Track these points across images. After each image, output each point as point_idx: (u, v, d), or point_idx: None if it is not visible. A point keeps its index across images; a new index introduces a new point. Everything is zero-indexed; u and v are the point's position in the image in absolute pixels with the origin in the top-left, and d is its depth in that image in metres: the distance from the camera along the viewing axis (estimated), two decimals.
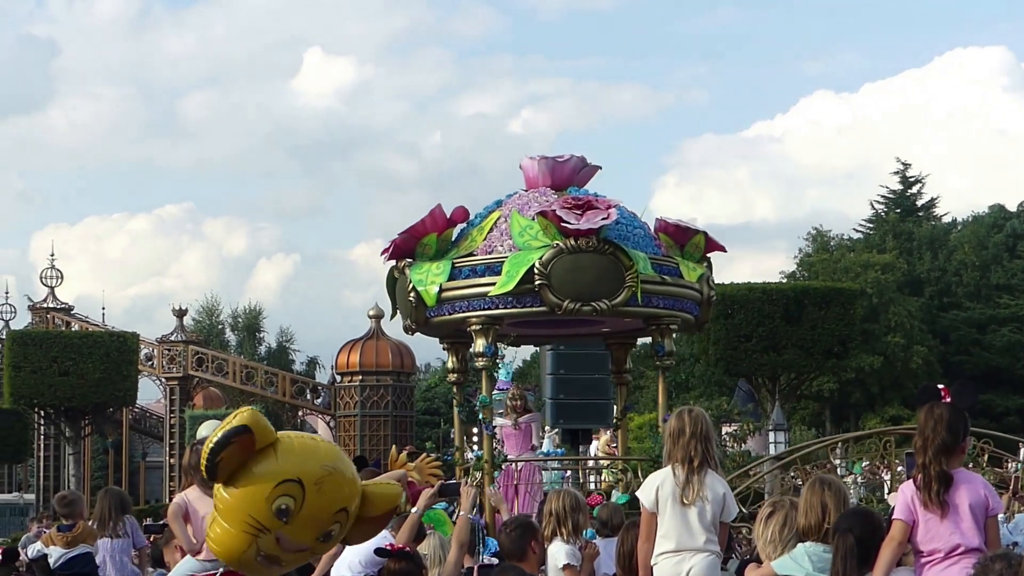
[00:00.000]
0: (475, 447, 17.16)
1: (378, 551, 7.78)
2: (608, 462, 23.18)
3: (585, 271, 14.14)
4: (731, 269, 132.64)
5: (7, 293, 58.13)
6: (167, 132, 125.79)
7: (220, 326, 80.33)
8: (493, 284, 14.23)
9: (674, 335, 15.55)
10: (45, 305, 53.44)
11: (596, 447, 23.40)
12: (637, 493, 8.78)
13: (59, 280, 53.97)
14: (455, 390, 16.53)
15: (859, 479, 25.00)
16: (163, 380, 50.46)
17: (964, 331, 66.48)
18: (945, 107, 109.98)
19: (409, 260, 14.74)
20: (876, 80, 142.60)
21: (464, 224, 15.05)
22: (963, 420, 7.47)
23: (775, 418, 36.67)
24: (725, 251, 15.80)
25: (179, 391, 49.85)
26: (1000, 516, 8.29)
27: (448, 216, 14.78)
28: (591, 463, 24.02)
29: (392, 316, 15.65)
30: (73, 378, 42.73)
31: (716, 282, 15.75)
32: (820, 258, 66.67)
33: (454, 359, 16.16)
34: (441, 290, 14.46)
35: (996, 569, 5.99)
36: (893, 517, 7.40)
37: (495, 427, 15.93)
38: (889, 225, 71.03)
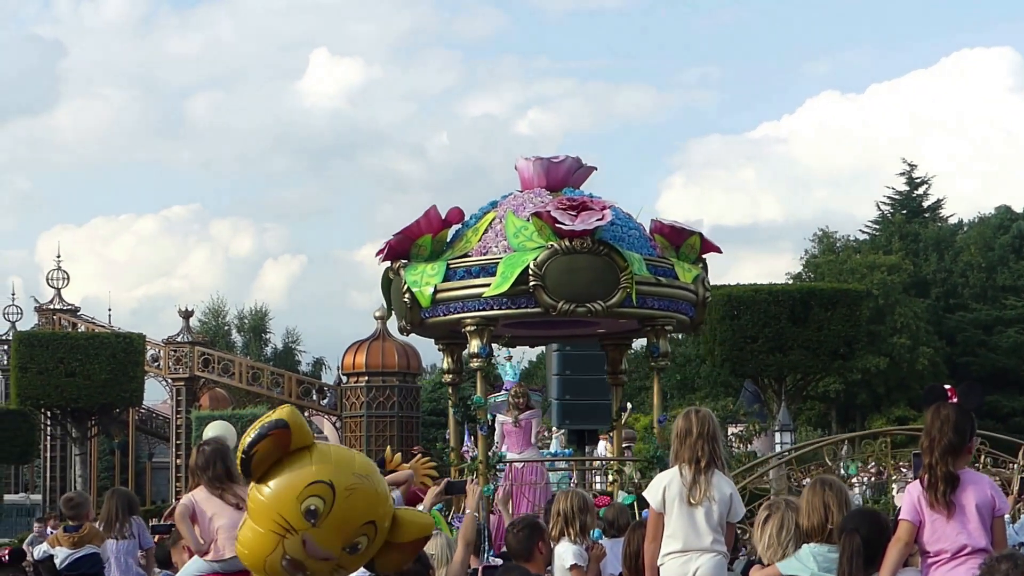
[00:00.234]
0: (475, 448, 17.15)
1: None
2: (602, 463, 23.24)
3: (580, 272, 14.13)
4: (737, 270, 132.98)
5: (13, 294, 58.28)
6: (174, 133, 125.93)
7: (226, 327, 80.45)
8: (488, 285, 14.22)
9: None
10: (52, 306, 53.50)
11: (604, 447, 23.38)
12: (644, 493, 8.79)
13: (66, 281, 54.06)
14: (450, 391, 16.53)
15: (859, 479, 24.97)
16: (169, 381, 50.50)
17: (970, 332, 66.46)
18: (952, 108, 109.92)
19: (404, 261, 14.74)
20: (883, 81, 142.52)
21: (459, 225, 15.05)
22: (970, 421, 7.47)
23: (781, 419, 36.70)
24: (720, 252, 15.78)
25: (185, 392, 49.90)
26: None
27: (443, 217, 14.78)
28: (587, 463, 23.99)
29: (388, 317, 15.70)
30: (79, 379, 42.79)
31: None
32: (826, 259, 66.68)
33: (449, 360, 16.16)
34: (436, 291, 14.46)
35: (1002, 569, 6.00)
36: (899, 518, 7.41)
37: (494, 423, 15.98)
38: (895, 226, 71.02)
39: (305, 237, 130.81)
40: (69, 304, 54.03)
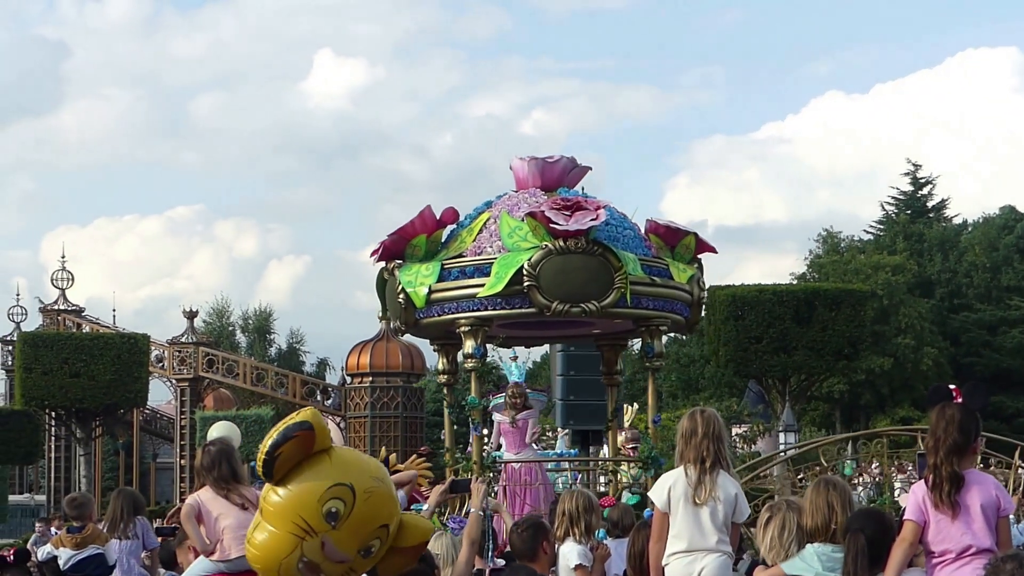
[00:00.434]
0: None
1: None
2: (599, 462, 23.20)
3: (574, 272, 14.12)
4: (741, 270, 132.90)
5: (18, 295, 58.35)
6: (178, 134, 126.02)
7: (231, 327, 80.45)
8: (482, 285, 14.21)
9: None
10: (56, 307, 53.53)
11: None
12: (649, 493, 8.78)
13: (70, 282, 54.08)
14: (446, 391, 16.53)
15: (862, 480, 24.98)
16: (173, 381, 50.51)
17: (974, 333, 66.42)
18: (956, 108, 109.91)
19: (399, 261, 14.73)
20: (887, 81, 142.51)
21: (454, 225, 15.04)
22: (975, 420, 7.46)
23: (785, 419, 36.71)
24: (716, 252, 15.77)
25: (189, 392, 49.90)
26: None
27: (438, 217, 14.77)
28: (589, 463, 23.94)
29: (382, 317, 15.68)
30: (84, 379, 42.81)
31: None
32: (830, 259, 66.66)
33: (444, 360, 16.14)
34: (430, 291, 14.45)
35: (1007, 569, 6.00)
36: (904, 518, 7.40)
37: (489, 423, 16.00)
38: (900, 227, 70.98)
39: (309, 238, 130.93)
40: (73, 305, 54.06)
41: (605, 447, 22.42)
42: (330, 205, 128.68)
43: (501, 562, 10.42)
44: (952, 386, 7.73)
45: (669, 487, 8.40)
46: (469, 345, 14.64)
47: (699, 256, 15.53)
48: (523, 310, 14.37)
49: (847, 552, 7.19)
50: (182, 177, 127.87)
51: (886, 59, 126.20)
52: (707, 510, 8.30)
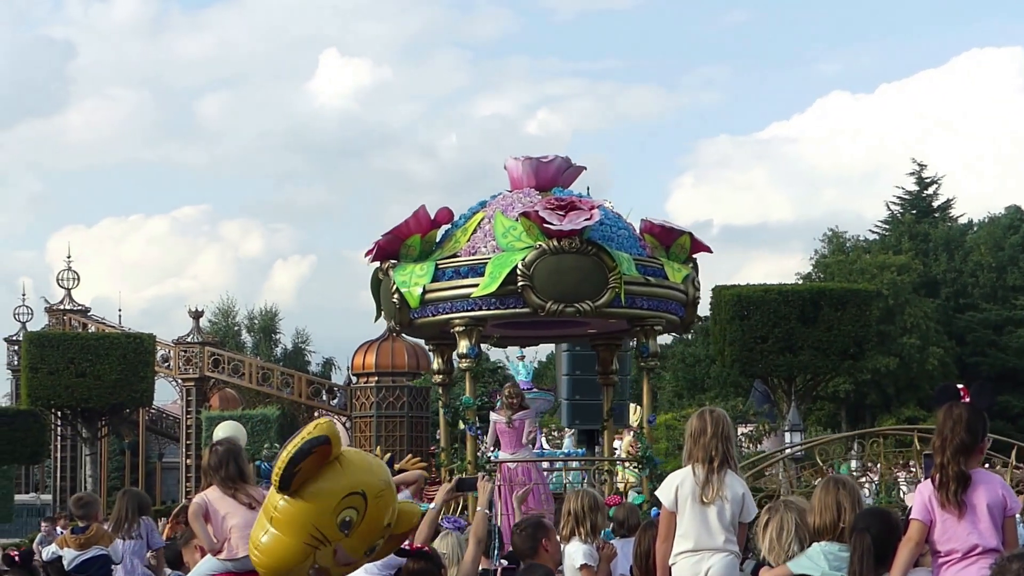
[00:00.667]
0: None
1: (397, 551, 7.79)
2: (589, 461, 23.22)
3: (568, 272, 14.13)
4: (747, 270, 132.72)
5: (24, 295, 58.45)
6: (183, 134, 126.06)
7: (236, 327, 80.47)
8: (476, 285, 14.22)
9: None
10: (62, 307, 53.62)
11: (618, 446, 23.34)
12: (656, 492, 8.78)
13: (76, 282, 54.17)
14: (440, 391, 16.49)
15: (868, 479, 24.96)
16: (179, 381, 50.58)
17: (980, 332, 66.37)
18: (961, 108, 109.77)
19: (393, 261, 14.73)
20: (892, 81, 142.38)
21: (448, 225, 15.04)
22: (982, 420, 7.44)
23: (791, 419, 36.66)
24: (711, 252, 15.76)
25: (195, 392, 49.98)
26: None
27: (432, 217, 14.77)
28: (576, 463, 23.94)
29: (376, 318, 15.65)
30: (90, 379, 42.84)
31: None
32: (836, 259, 66.62)
33: (439, 360, 16.14)
34: (424, 291, 14.46)
35: (1013, 569, 5.99)
36: (910, 517, 7.38)
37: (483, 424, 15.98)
38: (905, 226, 70.95)
39: (315, 238, 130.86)
40: (79, 304, 54.15)
41: (618, 446, 22.44)
42: (336, 205, 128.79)
43: (505, 562, 10.43)
44: (960, 385, 7.73)
45: (676, 486, 8.40)
46: (463, 345, 14.64)
47: (694, 256, 15.51)
48: (517, 310, 14.38)
49: (853, 552, 7.19)
50: (188, 177, 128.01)
51: (891, 59, 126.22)
52: (714, 509, 8.29)
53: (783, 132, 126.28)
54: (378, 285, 15.27)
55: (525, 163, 15.22)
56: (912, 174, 73.89)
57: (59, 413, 45.87)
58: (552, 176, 15.21)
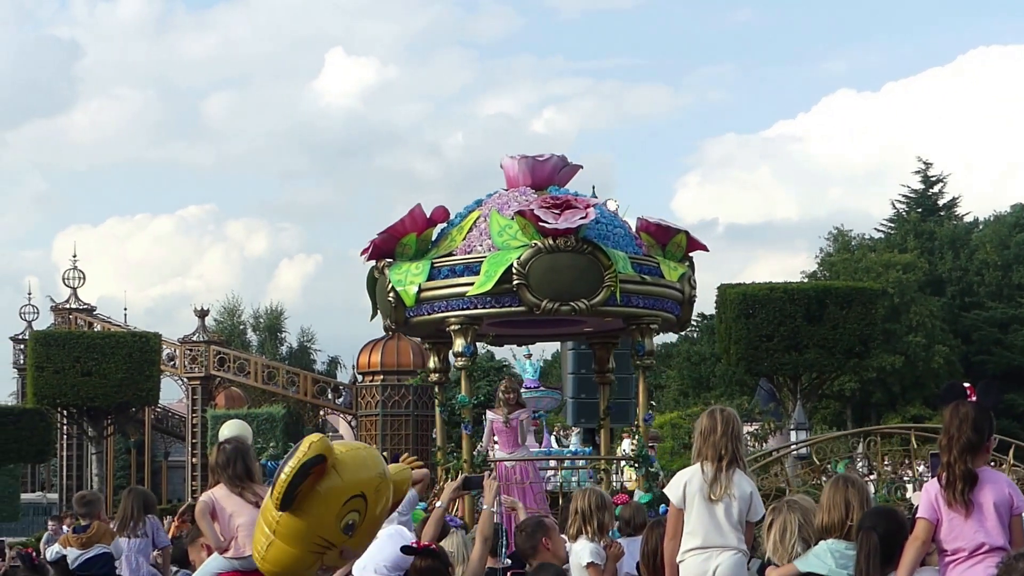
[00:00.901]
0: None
1: (404, 549, 7.78)
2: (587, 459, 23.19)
3: (563, 271, 14.11)
4: (752, 269, 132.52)
5: (30, 294, 58.54)
6: (189, 133, 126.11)
7: (242, 326, 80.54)
8: (472, 284, 14.21)
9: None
10: (68, 306, 53.66)
11: (628, 445, 23.27)
12: (665, 490, 8.78)
13: (81, 281, 54.21)
14: (437, 390, 16.49)
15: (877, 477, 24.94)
16: (185, 380, 50.62)
17: (986, 331, 66.31)
18: (968, 106, 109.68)
19: (389, 260, 14.72)
20: (899, 79, 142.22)
21: (444, 224, 15.03)
22: (988, 419, 7.43)
23: (796, 417, 36.66)
24: (707, 250, 15.75)
25: (201, 391, 50.01)
26: None
27: (428, 216, 14.76)
28: (570, 461, 23.92)
29: (372, 316, 15.63)
30: (95, 378, 42.89)
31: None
32: (841, 258, 66.59)
33: (436, 359, 16.12)
34: (420, 290, 14.45)
35: (1020, 568, 5.98)
36: (917, 516, 7.38)
37: (481, 422, 15.97)
38: (910, 225, 70.88)
39: (320, 237, 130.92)
40: (85, 304, 54.19)
41: (627, 444, 22.38)
42: (341, 204, 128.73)
43: (509, 561, 10.44)
44: (966, 384, 7.72)
45: (685, 483, 8.41)
46: (459, 343, 14.64)
47: (691, 254, 15.50)
48: (513, 308, 14.36)
49: (859, 550, 7.19)
50: (193, 176, 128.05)
51: (897, 57, 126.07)
52: (722, 507, 8.30)
53: (789, 131, 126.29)
54: (374, 284, 15.26)
55: (521, 162, 15.21)
56: (918, 172, 73.88)
57: (65, 412, 45.92)
58: (548, 175, 15.20)
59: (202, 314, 52.38)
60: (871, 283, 48.57)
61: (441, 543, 8.77)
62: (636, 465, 16.03)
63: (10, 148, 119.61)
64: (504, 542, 10.68)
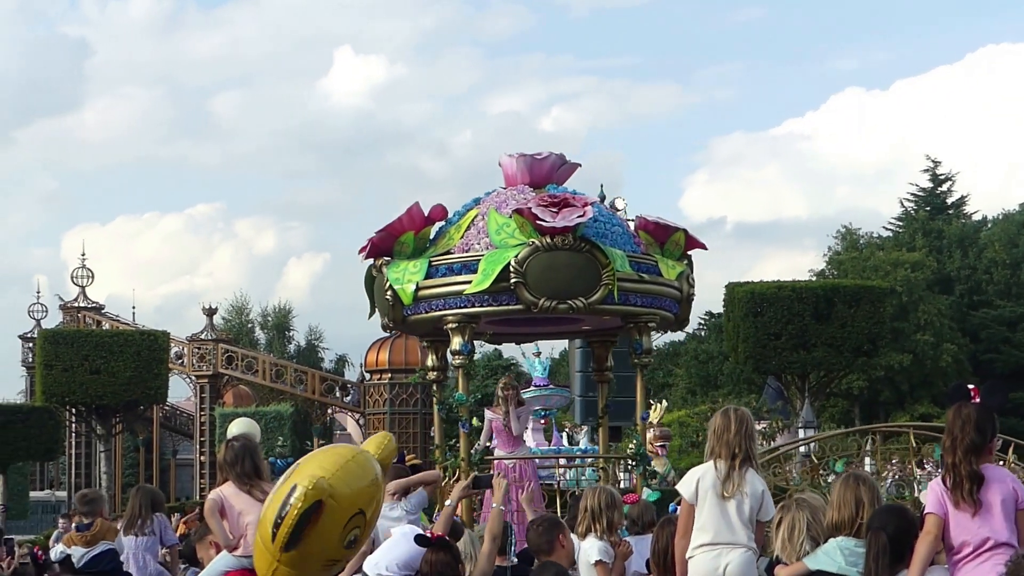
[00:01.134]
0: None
1: (419, 538, 7.78)
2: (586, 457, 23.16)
3: (561, 269, 14.09)
4: (760, 267, 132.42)
5: (38, 292, 58.62)
6: (198, 132, 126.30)
7: (250, 325, 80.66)
8: (469, 282, 14.20)
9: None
10: (76, 304, 53.77)
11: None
12: (678, 486, 8.80)
13: (90, 279, 54.32)
14: (435, 388, 16.47)
15: (888, 475, 24.89)
16: (193, 378, 50.70)
17: (994, 329, 66.23)
18: (976, 104, 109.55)
19: (387, 258, 14.73)
20: (907, 77, 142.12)
21: (442, 222, 15.02)
22: (991, 420, 7.45)
23: (804, 416, 36.62)
24: (706, 248, 15.73)
25: (209, 389, 50.10)
26: None
27: (426, 214, 14.76)
28: (564, 459, 23.91)
29: (370, 315, 15.63)
30: (104, 376, 42.92)
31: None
32: (849, 256, 66.53)
33: (434, 357, 16.10)
34: (418, 288, 14.44)
35: None
36: (926, 512, 7.39)
37: (485, 420, 15.94)
38: (919, 223, 70.81)
39: (328, 235, 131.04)
40: (94, 302, 54.30)
41: (612, 444, 22.38)
42: (349, 203, 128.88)
43: (516, 559, 10.44)
44: (971, 386, 7.73)
45: (698, 479, 8.44)
46: (456, 342, 14.62)
47: (689, 252, 15.49)
48: (510, 307, 14.35)
49: (868, 551, 7.19)
50: (202, 175, 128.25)
51: (906, 55, 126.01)
52: (734, 503, 8.32)
53: (797, 129, 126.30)
54: (372, 282, 15.26)
55: (519, 160, 15.20)
56: (926, 171, 73.81)
57: (73, 410, 45.98)
58: (546, 173, 15.18)
59: (210, 312, 52.46)
60: (879, 281, 48.52)
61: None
62: (634, 464, 16.01)
63: (19, 147, 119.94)
64: (512, 540, 10.70)
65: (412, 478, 11.51)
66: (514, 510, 14.42)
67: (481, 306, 14.40)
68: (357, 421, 49.36)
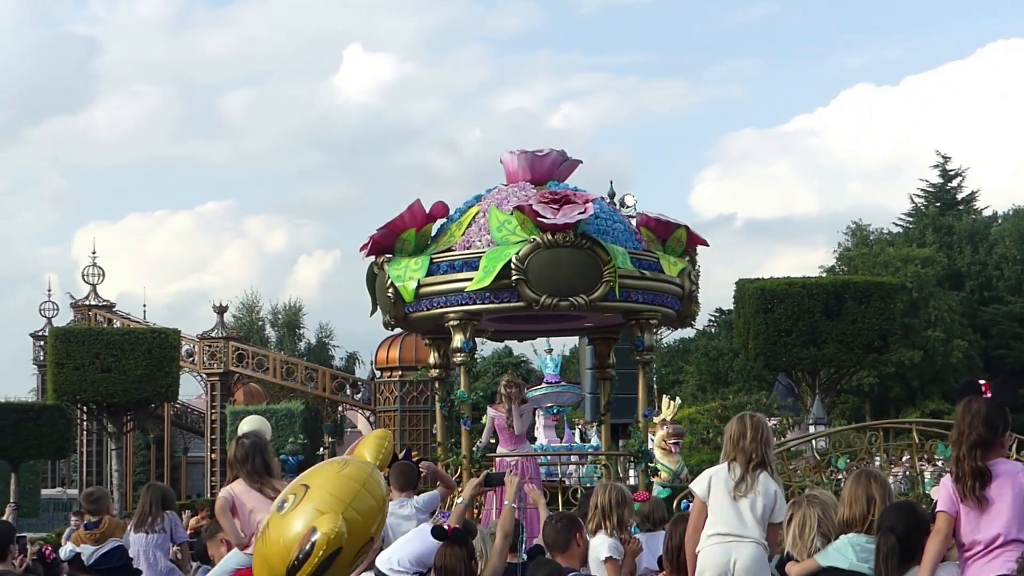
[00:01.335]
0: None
1: (436, 530, 7.79)
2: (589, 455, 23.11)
3: (562, 266, 14.06)
4: (771, 263, 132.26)
5: (49, 291, 58.68)
6: (208, 130, 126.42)
7: (260, 322, 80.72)
8: (471, 279, 14.18)
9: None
10: (87, 302, 53.84)
11: (651, 441, 23.33)
12: (691, 485, 8.82)
13: (101, 277, 54.39)
14: (437, 385, 16.47)
15: (894, 473, 24.89)
16: (204, 376, 50.76)
17: (1005, 325, 66.13)
18: (987, 99, 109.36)
19: (388, 256, 14.73)
20: (917, 73, 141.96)
21: (443, 219, 15.01)
22: (1002, 415, 7.41)
23: (815, 412, 36.63)
24: (707, 245, 15.69)
25: (220, 387, 50.15)
26: None
27: (427, 211, 14.76)
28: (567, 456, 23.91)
29: (372, 312, 15.61)
30: (115, 374, 43.00)
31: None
32: (860, 252, 66.49)
33: (436, 355, 16.06)
34: (419, 286, 14.42)
35: None
36: (937, 510, 7.37)
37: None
38: (929, 219, 70.75)
39: (338, 233, 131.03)
40: (104, 300, 54.36)
41: (622, 441, 22.36)
42: (359, 200, 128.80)
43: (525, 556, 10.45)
44: (982, 381, 7.71)
45: (711, 477, 8.47)
46: (458, 339, 14.58)
47: (691, 249, 15.48)
48: (511, 304, 14.33)
49: (877, 552, 7.18)
50: (212, 173, 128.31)
51: (916, 51, 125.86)
52: (747, 502, 8.34)
53: (807, 125, 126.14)
54: (373, 279, 15.24)
55: (520, 157, 15.17)
56: (936, 167, 73.78)
57: (85, 408, 46.07)
58: (547, 170, 15.16)
59: (221, 310, 52.52)
60: (890, 278, 48.50)
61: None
62: (635, 461, 16.00)
63: (30, 145, 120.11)
64: (523, 537, 10.71)
65: (440, 472, 11.66)
66: (527, 507, 14.43)
67: (482, 303, 14.37)
68: (368, 418, 49.39)
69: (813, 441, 25.32)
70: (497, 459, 16.13)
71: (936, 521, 7.30)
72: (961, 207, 73.62)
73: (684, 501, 14.19)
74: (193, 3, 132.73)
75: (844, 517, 7.58)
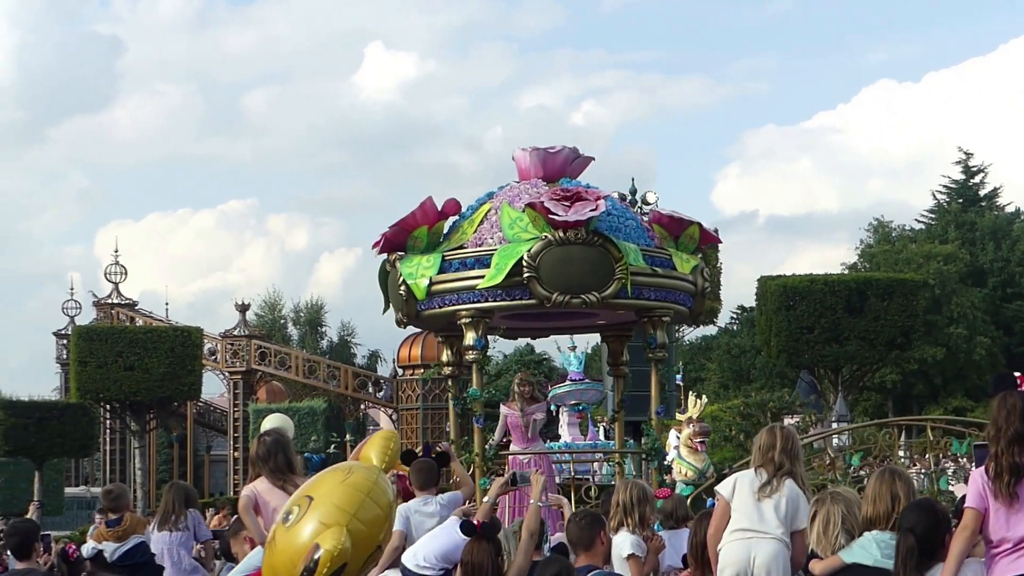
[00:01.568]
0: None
1: (464, 525, 7.80)
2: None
3: (574, 263, 14.00)
4: (793, 260, 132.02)
5: (72, 289, 59.02)
6: (230, 128, 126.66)
7: (282, 320, 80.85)
8: (482, 277, 14.16)
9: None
10: (110, 301, 53.99)
11: (674, 437, 23.25)
12: (717, 487, 8.86)
13: (123, 276, 54.54)
14: (450, 383, 16.47)
15: (915, 470, 24.86)
16: (226, 374, 50.87)
17: None
18: (1009, 96, 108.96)
19: (400, 253, 14.72)
20: (939, 69, 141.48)
21: (456, 217, 15.00)
22: None
23: (838, 410, 36.58)
24: (720, 242, 15.67)
25: (242, 385, 50.24)
26: None
27: (439, 209, 14.75)
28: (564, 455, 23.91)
29: (384, 310, 15.60)
30: (138, 373, 43.14)
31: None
32: (882, 249, 66.29)
33: (448, 352, 16.03)
34: (431, 283, 14.40)
35: None
36: (965, 506, 7.29)
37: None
38: (951, 215, 70.49)
39: (360, 231, 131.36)
40: (127, 299, 54.49)
41: (673, 436, 22.28)
42: (381, 198, 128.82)
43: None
44: (1017, 373, 7.66)
45: (736, 478, 8.53)
46: (470, 337, 14.55)
47: (704, 246, 15.45)
48: (523, 301, 14.31)
49: (897, 552, 7.15)
50: (234, 171, 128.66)
51: (938, 47, 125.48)
52: (770, 502, 8.40)
53: (829, 122, 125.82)
54: (386, 277, 15.24)
55: (532, 154, 15.13)
56: (959, 163, 73.51)
57: (108, 406, 46.23)
58: (560, 167, 15.12)
59: (243, 308, 52.64)
60: (912, 274, 48.39)
61: None
62: (647, 458, 15.96)
63: (53, 144, 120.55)
64: (547, 536, 10.71)
65: (463, 474, 11.69)
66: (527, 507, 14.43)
67: (494, 301, 14.34)
68: (390, 416, 49.43)
69: (833, 438, 25.31)
70: (510, 457, 16.12)
71: (963, 517, 7.25)
72: (984, 203, 73.32)
73: (710, 499, 14.18)
74: (215, 2, 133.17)
75: (868, 514, 7.55)
